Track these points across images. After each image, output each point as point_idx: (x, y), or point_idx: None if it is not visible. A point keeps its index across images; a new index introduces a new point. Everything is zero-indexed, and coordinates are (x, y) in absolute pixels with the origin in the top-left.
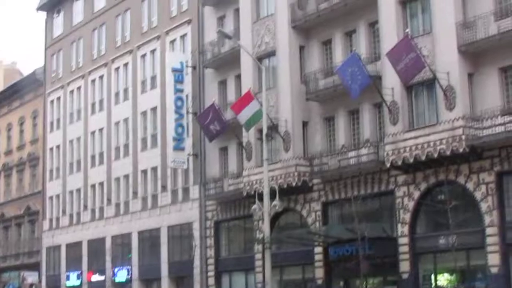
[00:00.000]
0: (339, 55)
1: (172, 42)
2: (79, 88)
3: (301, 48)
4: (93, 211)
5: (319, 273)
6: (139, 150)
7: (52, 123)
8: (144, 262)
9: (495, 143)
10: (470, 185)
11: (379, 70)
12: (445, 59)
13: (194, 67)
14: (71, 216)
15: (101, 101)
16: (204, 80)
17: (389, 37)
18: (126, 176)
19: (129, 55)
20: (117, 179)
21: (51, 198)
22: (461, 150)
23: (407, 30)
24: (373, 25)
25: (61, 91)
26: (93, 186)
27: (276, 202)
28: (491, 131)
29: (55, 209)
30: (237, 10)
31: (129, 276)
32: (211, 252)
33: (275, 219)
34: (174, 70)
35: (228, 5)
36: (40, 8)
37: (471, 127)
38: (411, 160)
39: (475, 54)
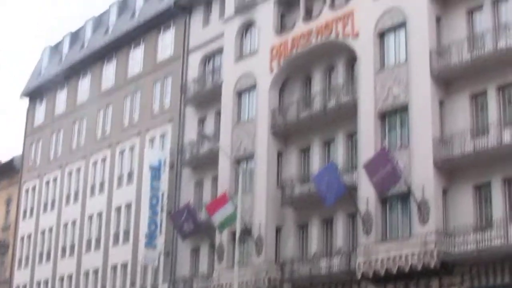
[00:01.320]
0: (316, 163)
1: (152, 139)
2: (55, 178)
3: (279, 154)
4: None
5: None
6: (110, 245)
7: (25, 212)
8: None
9: (466, 260)
10: None
11: (355, 180)
12: (421, 173)
13: (172, 166)
14: None
15: (76, 193)
16: (181, 179)
17: (367, 148)
18: (96, 271)
19: (108, 150)
20: (86, 273)
21: (17, 287)
22: (432, 265)
23: (384, 143)
24: (351, 136)
25: (37, 180)
26: (61, 278)
27: None
28: (463, 247)
29: None
30: (218, 112)
31: None
32: None
33: None
34: (152, 168)
35: (210, 107)
36: (24, 94)
37: (443, 243)
38: (382, 273)
39: (450, 170)
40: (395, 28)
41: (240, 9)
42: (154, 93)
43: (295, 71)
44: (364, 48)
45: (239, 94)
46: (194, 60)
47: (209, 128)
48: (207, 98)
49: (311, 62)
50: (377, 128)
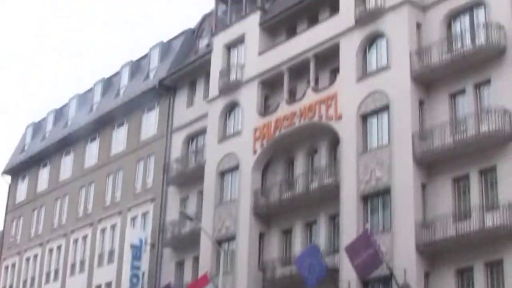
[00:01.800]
0: (298, 245)
1: (134, 218)
2: (35, 256)
3: (261, 235)
4: None
5: None
6: None
7: None
8: None
9: None
10: None
11: (337, 263)
12: (403, 257)
13: (153, 245)
14: None
15: (56, 271)
16: (162, 259)
17: (349, 231)
18: None
19: (89, 228)
20: None
21: None
22: None
23: (366, 226)
24: (333, 218)
25: (17, 257)
26: None
27: None
28: None
29: None
30: (200, 192)
31: None
32: None
33: None
34: (133, 247)
35: (192, 187)
36: (6, 172)
37: None
38: None
39: (432, 254)
40: (378, 111)
41: (224, 90)
42: (137, 172)
43: (278, 153)
44: (347, 130)
45: (222, 174)
46: (178, 140)
47: (191, 208)
48: (190, 178)
49: (294, 143)
50: (359, 211)
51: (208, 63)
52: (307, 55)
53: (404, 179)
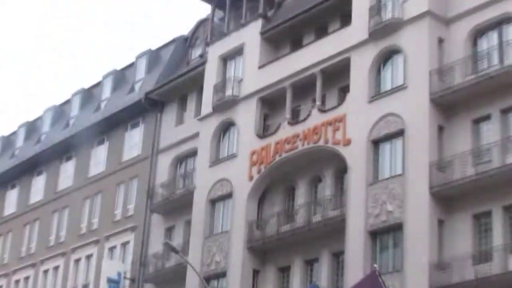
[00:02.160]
0: (297, 284)
1: (112, 249)
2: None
3: (255, 272)
4: None
5: None
6: None
7: None
8: None
9: None
10: None
11: None
12: None
13: (132, 280)
14: None
15: None
16: None
17: (355, 270)
18: None
19: (62, 258)
20: None
21: None
22: None
23: (375, 266)
24: (337, 256)
25: None
26: None
27: None
28: None
29: None
30: (188, 222)
31: None
32: None
33: None
34: (110, 281)
35: (179, 216)
36: None
37: None
38: None
39: None
40: (391, 136)
41: (219, 107)
42: (117, 196)
43: (277, 180)
44: (356, 157)
45: (213, 203)
46: (164, 162)
47: (177, 239)
48: (177, 206)
49: (295, 170)
50: (367, 248)
51: (201, 76)
52: (314, 71)
53: (418, 214)
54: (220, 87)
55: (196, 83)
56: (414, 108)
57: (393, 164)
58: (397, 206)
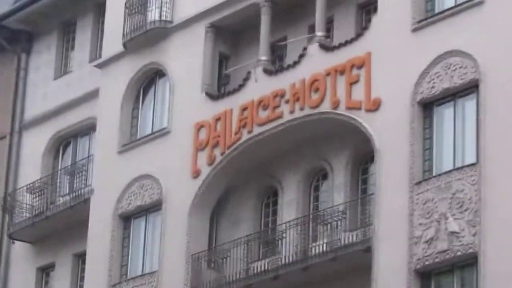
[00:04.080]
0: None
1: None
2: None
3: None
4: None
5: None
6: None
7: None
8: None
9: None
10: None
11: None
12: None
13: None
14: None
15: None
16: None
17: None
18: None
19: None
20: None
21: None
22: None
23: None
24: None
25: None
26: None
27: None
28: None
29: None
30: (79, 257)
31: None
32: None
33: None
34: None
35: (63, 246)
36: None
37: None
38: None
39: None
40: (457, 92)
41: (135, 44)
42: None
43: (246, 176)
44: (391, 133)
45: (126, 221)
46: (33, 147)
47: None
48: (59, 227)
49: (278, 158)
50: None
51: None
52: None
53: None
54: (137, 6)
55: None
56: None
57: (459, 146)
58: (469, 225)
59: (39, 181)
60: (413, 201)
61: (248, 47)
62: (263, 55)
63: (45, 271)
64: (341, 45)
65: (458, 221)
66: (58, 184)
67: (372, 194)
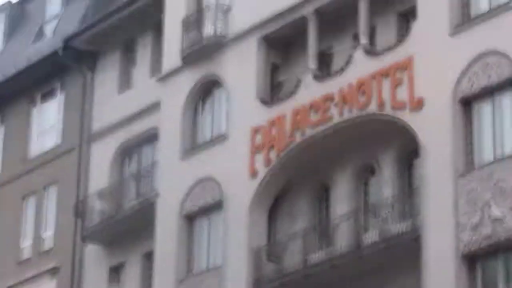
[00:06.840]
0: None
1: None
2: None
3: None
4: None
5: None
6: None
7: None
8: None
9: None
10: None
11: None
12: None
13: None
14: None
15: None
16: None
17: None
18: None
19: None
20: None
21: None
22: None
23: None
24: None
25: None
26: None
27: None
28: None
29: None
30: (148, 256)
31: None
32: None
33: None
34: None
35: (132, 246)
36: None
37: None
38: None
39: None
40: (495, 88)
41: (193, 58)
42: (24, 217)
43: (300, 175)
44: (434, 129)
45: (190, 220)
46: (101, 156)
47: (130, 286)
48: (127, 229)
49: (329, 157)
50: (459, 282)
51: (158, 4)
52: None
53: None
54: (193, 23)
55: (150, 18)
56: None
57: (498, 139)
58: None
59: (108, 187)
60: (457, 192)
61: (297, 56)
62: (312, 63)
63: (116, 271)
64: (384, 51)
65: (501, 208)
66: (125, 190)
67: (418, 187)
